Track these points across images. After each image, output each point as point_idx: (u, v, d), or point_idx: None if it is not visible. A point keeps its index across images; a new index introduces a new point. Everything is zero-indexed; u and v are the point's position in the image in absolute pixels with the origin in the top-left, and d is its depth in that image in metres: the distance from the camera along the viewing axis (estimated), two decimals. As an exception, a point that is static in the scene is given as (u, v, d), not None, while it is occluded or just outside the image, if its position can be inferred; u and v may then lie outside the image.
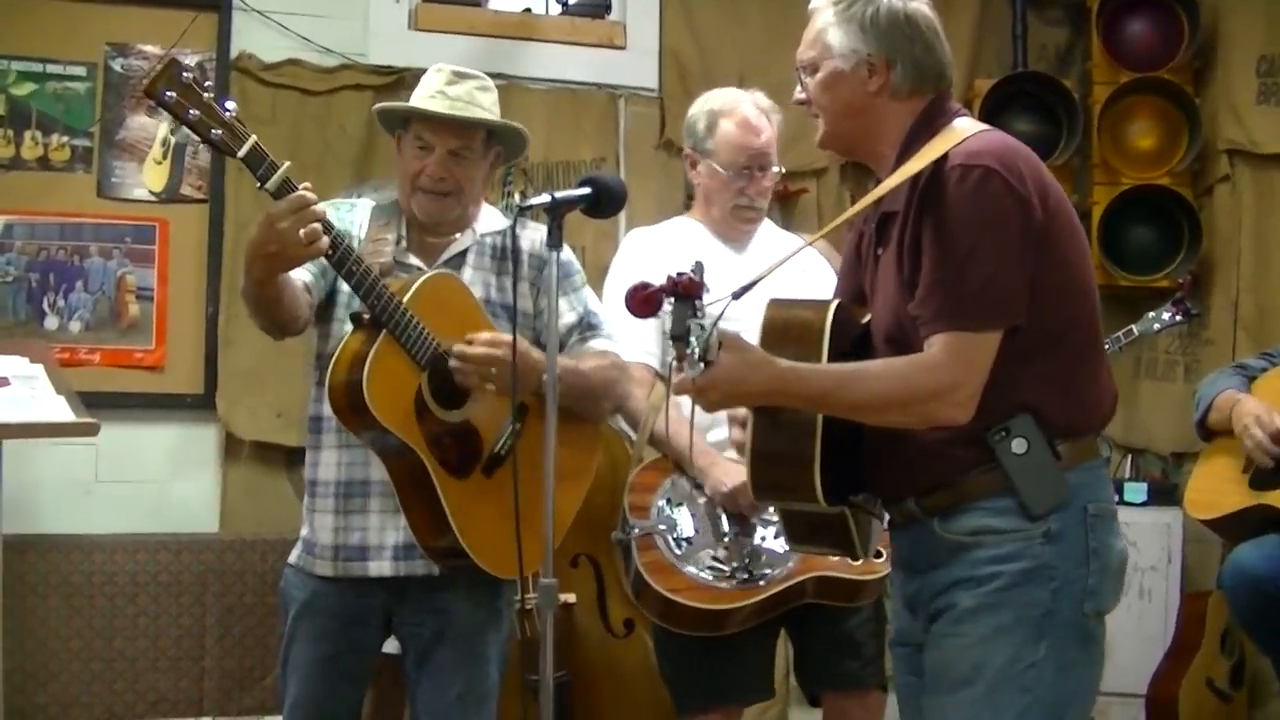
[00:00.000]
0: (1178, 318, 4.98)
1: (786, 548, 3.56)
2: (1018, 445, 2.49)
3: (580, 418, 3.40)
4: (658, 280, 2.40)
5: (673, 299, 2.34)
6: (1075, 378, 2.57)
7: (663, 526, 3.60)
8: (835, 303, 2.63)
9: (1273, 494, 4.26)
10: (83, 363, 5.09)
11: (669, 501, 3.65)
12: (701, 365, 2.32)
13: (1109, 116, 5.92)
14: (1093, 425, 2.61)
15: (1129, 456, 6.15)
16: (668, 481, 3.68)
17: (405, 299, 3.13)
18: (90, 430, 4.15)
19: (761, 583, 3.56)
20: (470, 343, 3.19)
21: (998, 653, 2.50)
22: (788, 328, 2.59)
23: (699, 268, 2.36)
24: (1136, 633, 5.52)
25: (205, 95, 2.84)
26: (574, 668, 4.22)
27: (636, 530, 3.59)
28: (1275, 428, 4.21)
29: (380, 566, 3.29)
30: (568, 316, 3.46)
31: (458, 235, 3.43)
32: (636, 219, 5.32)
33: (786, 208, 5.80)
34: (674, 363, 2.38)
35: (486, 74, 5.39)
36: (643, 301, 2.40)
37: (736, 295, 2.54)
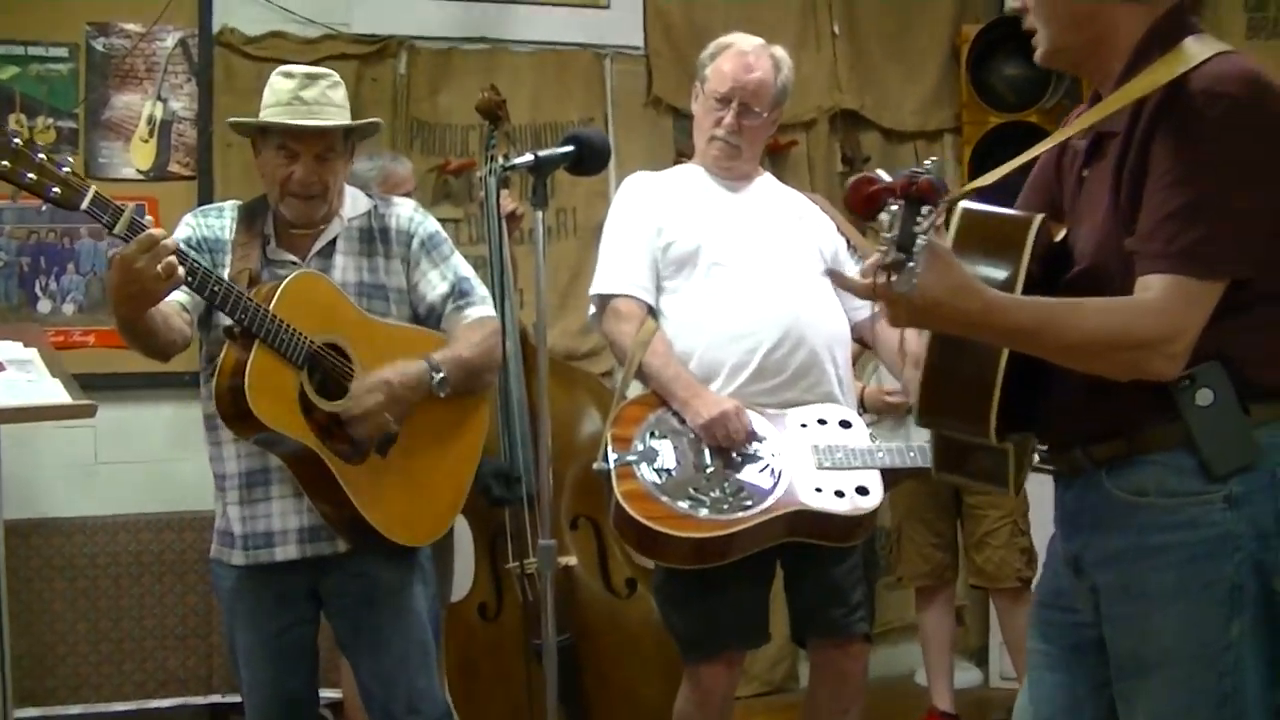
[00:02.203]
0: None
1: (768, 484, 3.57)
2: (1203, 396, 2.25)
3: (465, 393, 3.46)
4: (888, 175, 2.11)
5: (902, 202, 2.04)
6: None
7: (636, 458, 3.60)
8: (1040, 217, 2.38)
9: None
10: (77, 345, 5.08)
11: (653, 434, 3.65)
12: (915, 282, 2.05)
13: (1098, 57, 5.90)
14: None
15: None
16: (653, 415, 3.67)
17: (271, 305, 3.17)
18: (88, 412, 4.13)
19: (740, 514, 3.54)
20: (352, 400, 3.26)
21: (1186, 636, 2.28)
22: (985, 235, 2.35)
23: (937, 167, 2.11)
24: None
25: (37, 157, 2.88)
26: (577, 630, 4.22)
27: (616, 459, 3.59)
28: None
29: (286, 551, 3.33)
30: (440, 287, 3.49)
31: (325, 225, 3.44)
32: (625, 177, 5.30)
33: (777, 160, 5.78)
34: (879, 271, 2.10)
35: (470, 38, 5.47)
36: (866, 199, 2.11)
37: (957, 199, 2.39)
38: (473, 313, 3.51)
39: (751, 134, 3.86)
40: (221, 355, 3.19)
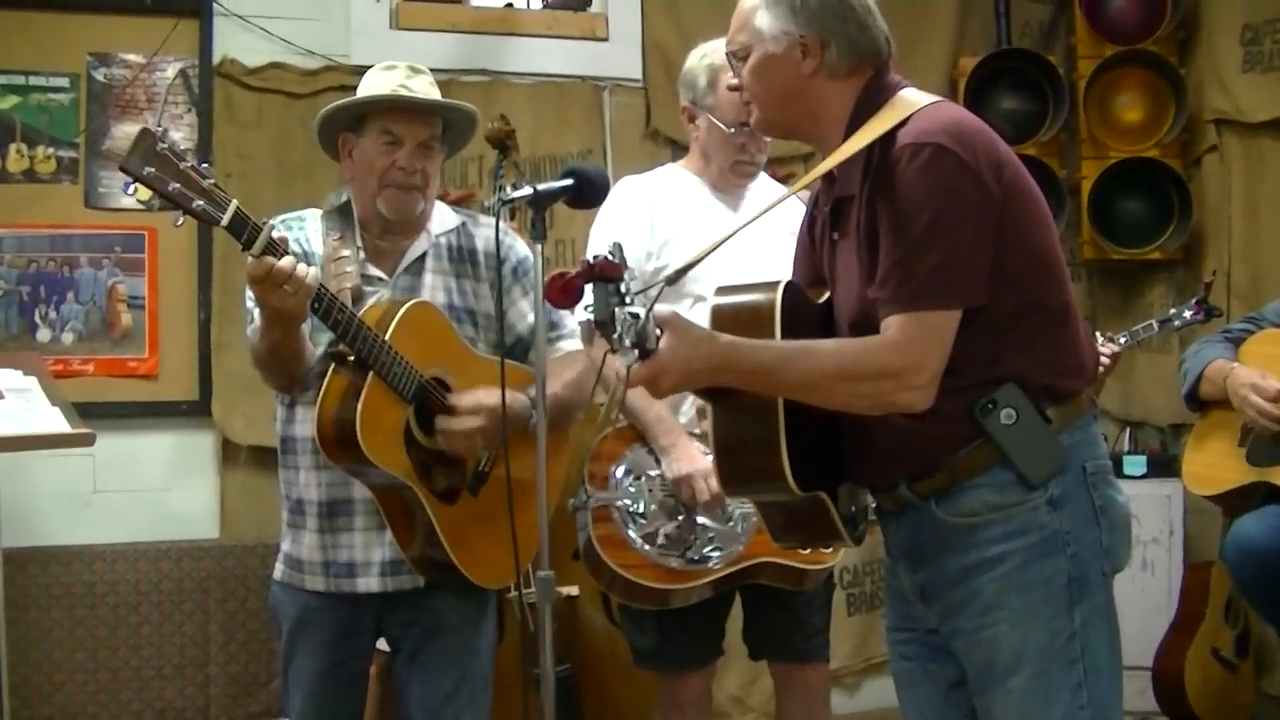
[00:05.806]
0: (1198, 316, 4.96)
1: (737, 532, 3.60)
2: (1006, 416, 2.43)
3: (554, 429, 3.37)
4: (575, 268, 2.28)
5: (591, 284, 2.23)
6: (1053, 342, 2.50)
7: (610, 499, 3.61)
8: (784, 282, 2.54)
9: (1272, 470, 4.26)
10: (77, 373, 5.08)
11: (628, 473, 3.65)
12: (635, 353, 2.22)
13: (1095, 90, 5.92)
14: (1077, 386, 2.54)
15: (1127, 429, 6.15)
16: (629, 452, 3.67)
17: (388, 335, 3.10)
18: (87, 440, 4.13)
19: (709, 564, 3.59)
20: (453, 410, 3.21)
21: (1035, 632, 2.46)
22: (737, 314, 2.51)
23: (617, 249, 2.26)
24: (1140, 605, 5.51)
25: (182, 165, 2.78)
26: (578, 660, 4.22)
27: (591, 500, 3.60)
28: (1275, 389, 4.20)
29: (368, 583, 3.30)
30: (530, 318, 3.37)
31: (413, 238, 3.39)
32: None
33: (774, 193, 5.79)
34: (607, 352, 2.27)
35: (469, 70, 5.47)
36: (561, 290, 2.29)
37: (670, 280, 2.51)
38: (564, 346, 3.48)
39: (768, 146, 3.84)
40: (326, 381, 3.10)
